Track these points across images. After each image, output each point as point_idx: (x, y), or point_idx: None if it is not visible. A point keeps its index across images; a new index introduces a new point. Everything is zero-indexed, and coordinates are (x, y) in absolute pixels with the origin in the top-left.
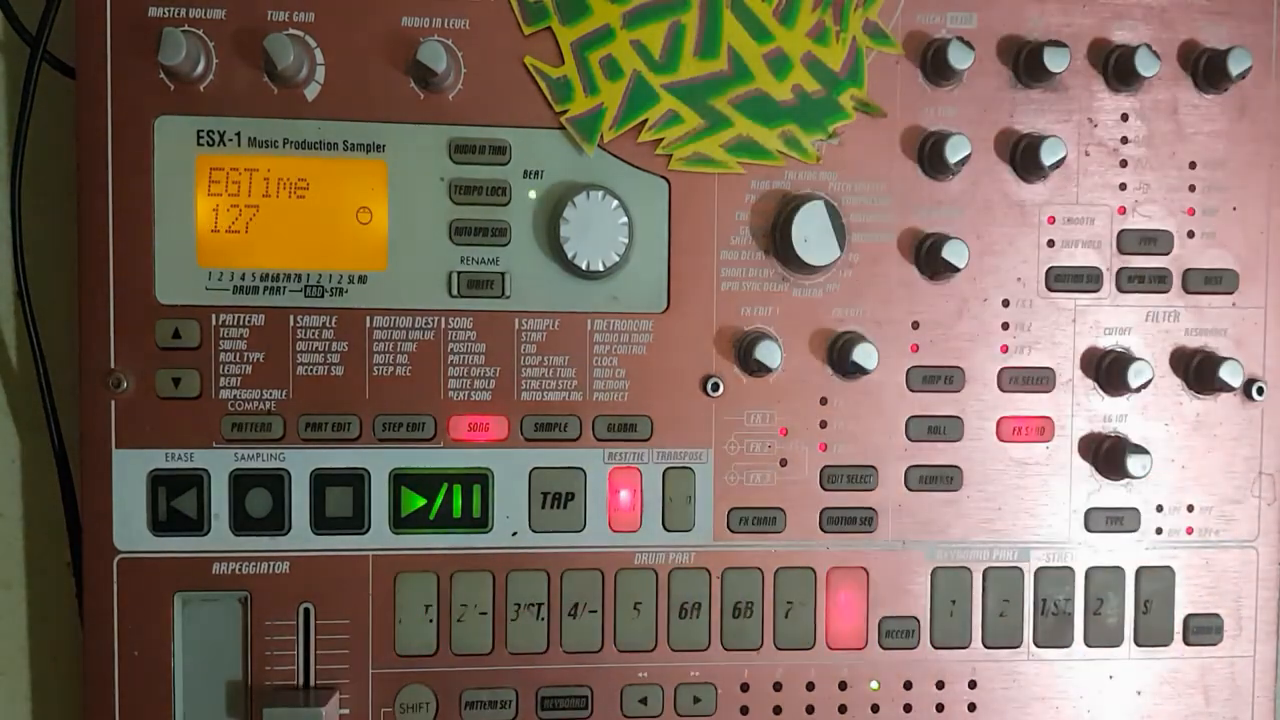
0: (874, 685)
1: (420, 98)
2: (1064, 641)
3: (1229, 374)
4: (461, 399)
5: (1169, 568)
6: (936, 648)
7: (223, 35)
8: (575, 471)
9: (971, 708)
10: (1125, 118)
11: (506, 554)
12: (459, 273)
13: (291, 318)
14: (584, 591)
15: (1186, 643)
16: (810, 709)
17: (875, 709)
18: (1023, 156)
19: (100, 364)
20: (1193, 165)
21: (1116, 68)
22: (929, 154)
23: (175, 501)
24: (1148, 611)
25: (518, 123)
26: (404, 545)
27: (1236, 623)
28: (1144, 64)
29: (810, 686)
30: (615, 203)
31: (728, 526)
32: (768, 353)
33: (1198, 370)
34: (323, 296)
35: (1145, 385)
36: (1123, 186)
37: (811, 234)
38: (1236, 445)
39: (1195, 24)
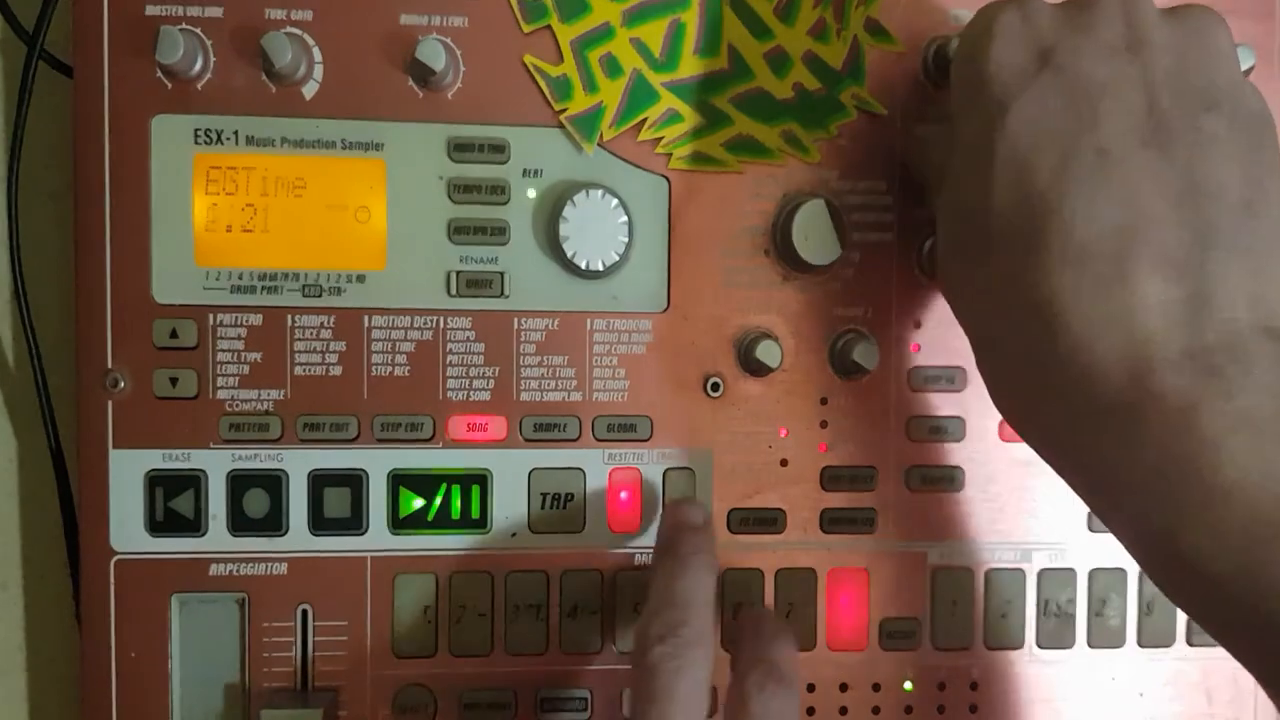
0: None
1: (419, 96)
2: (1066, 643)
3: None
4: (460, 399)
5: None
6: (938, 649)
7: (220, 34)
8: (575, 472)
9: (973, 709)
10: None
11: (506, 555)
12: (458, 272)
13: (289, 317)
14: (584, 592)
15: (1189, 643)
16: (810, 710)
17: (876, 710)
18: None
19: (97, 364)
20: None
21: None
22: None
23: (172, 502)
24: (1150, 612)
25: (517, 121)
26: (402, 546)
27: None
28: None
29: (810, 688)
30: (615, 201)
31: (728, 527)
32: (768, 353)
33: None
34: (321, 296)
35: None
36: None
37: (811, 233)
38: None
39: None
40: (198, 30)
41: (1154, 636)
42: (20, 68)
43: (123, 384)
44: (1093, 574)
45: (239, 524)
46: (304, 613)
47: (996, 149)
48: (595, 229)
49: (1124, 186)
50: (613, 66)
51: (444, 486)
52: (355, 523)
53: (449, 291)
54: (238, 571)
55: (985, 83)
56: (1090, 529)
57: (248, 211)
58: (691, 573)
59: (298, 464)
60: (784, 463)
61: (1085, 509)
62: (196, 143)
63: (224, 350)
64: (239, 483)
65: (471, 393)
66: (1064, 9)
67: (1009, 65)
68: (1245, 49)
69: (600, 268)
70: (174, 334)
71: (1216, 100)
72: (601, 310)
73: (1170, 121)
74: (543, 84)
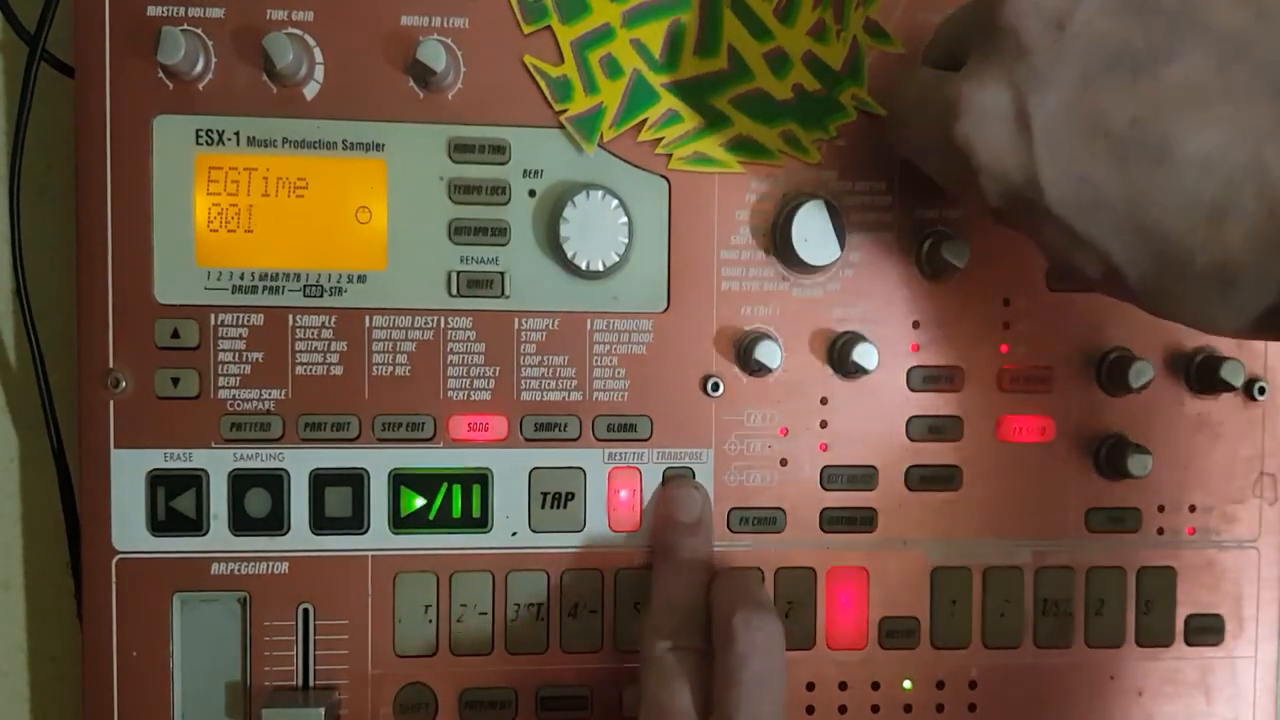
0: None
1: (420, 97)
2: (1065, 642)
3: (1230, 374)
4: (461, 399)
5: (1170, 568)
6: (936, 648)
7: (222, 34)
8: (575, 471)
9: (972, 708)
10: None
11: (506, 554)
12: (458, 272)
13: (290, 317)
14: (584, 591)
15: (1188, 643)
16: (810, 709)
17: (875, 709)
18: None
19: (99, 364)
20: None
21: None
22: None
23: (174, 502)
24: (1149, 612)
25: (517, 122)
26: (403, 545)
27: (1238, 623)
28: None
29: (810, 686)
30: (615, 202)
31: (728, 526)
32: (768, 353)
33: (1199, 370)
34: (322, 296)
35: (1146, 385)
36: None
37: (811, 234)
38: (1238, 445)
39: None
40: (199, 31)
41: (1153, 636)
42: (22, 68)
43: (124, 384)
44: (1091, 573)
45: (240, 523)
46: (305, 612)
47: (1072, 225)
48: (595, 229)
49: (1182, 131)
50: (613, 67)
51: (445, 486)
52: (356, 522)
53: (450, 291)
54: (239, 571)
55: (1003, 179)
56: (1089, 528)
57: (249, 212)
58: (685, 574)
59: (299, 463)
60: (784, 463)
61: (1084, 507)
62: (198, 143)
63: (225, 350)
64: (240, 482)
65: (472, 392)
66: (982, 57)
67: (1001, 147)
68: None
69: (600, 268)
70: (175, 334)
71: None
72: (601, 310)
73: (1149, 35)
74: (543, 85)
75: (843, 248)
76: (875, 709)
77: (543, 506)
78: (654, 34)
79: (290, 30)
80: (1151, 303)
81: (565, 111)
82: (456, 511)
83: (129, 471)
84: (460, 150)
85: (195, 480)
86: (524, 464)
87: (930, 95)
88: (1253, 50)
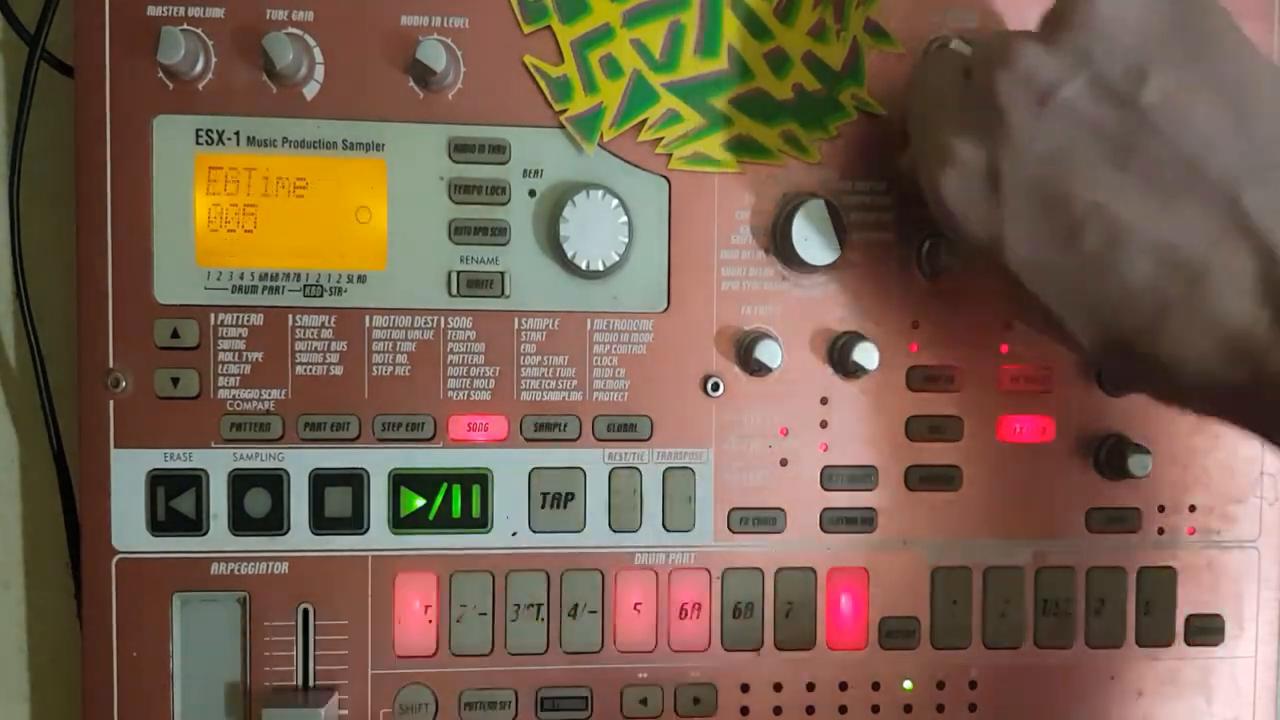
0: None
1: (419, 97)
2: (1065, 642)
3: None
4: (461, 399)
5: (1170, 568)
6: (937, 648)
7: (222, 34)
8: (575, 471)
9: (972, 708)
10: None
11: (506, 554)
12: (458, 272)
13: (290, 317)
14: (584, 592)
15: (1188, 643)
16: (810, 709)
17: (875, 709)
18: None
19: (99, 364)
20: None
21: None
22: None
23: (174, 502)
24: (1149, 612)
25: (517, 122)
26: (403, 545)
27: (1238, 623)
28: None
29: (810, 687)
30: (615, 202)
31: (728, 526)
32: (768, 353)
33: None
34: (322, 296)
35: None
36: None
37: (811, 234)
38: (1238, 445)
39: None
40: (199, 30)
41: (1153, 636)
42: (22, 68)
43: (124, 384)
44: (1091, 573)
45: (240, 523)
46: (305, 612)
47: (1028, 286)
48: (595, 229)
49: (1136, 222)
50: (613, 67)
51: (445, 486)
52: (356, 522)
53: (449, 291)
54: (239, 571)
55: (970, 232)
56: (1089, 528)
57: (249, 212)
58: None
59: (299, 463)
60: (784, 463)
61: (1084, 507)
62: (198, 143)
63: (225, 350)
64: (240, 482)
65: (472, 392)
66: (970, 108)
67: (973, 198)
68: None
69: (600, 268)
70: (175, 334)
71: (1143, 63)
72: (601, 310)
73: (1124, 127)
74: (543, 84)
75: (843, 248)
76: (875, 709)
77: (543, 506)
78: (654, 34)
79: (290, 30)
80: (1107, 373)
81: (565, 111)
82: (456, 511)
83: (129, 471)
84: (460, 150)
85: (195, 480)
86: (524, 464)
87: (941, 105)
88: (1219, 156)
